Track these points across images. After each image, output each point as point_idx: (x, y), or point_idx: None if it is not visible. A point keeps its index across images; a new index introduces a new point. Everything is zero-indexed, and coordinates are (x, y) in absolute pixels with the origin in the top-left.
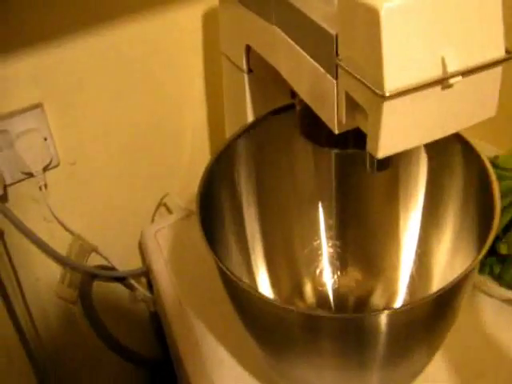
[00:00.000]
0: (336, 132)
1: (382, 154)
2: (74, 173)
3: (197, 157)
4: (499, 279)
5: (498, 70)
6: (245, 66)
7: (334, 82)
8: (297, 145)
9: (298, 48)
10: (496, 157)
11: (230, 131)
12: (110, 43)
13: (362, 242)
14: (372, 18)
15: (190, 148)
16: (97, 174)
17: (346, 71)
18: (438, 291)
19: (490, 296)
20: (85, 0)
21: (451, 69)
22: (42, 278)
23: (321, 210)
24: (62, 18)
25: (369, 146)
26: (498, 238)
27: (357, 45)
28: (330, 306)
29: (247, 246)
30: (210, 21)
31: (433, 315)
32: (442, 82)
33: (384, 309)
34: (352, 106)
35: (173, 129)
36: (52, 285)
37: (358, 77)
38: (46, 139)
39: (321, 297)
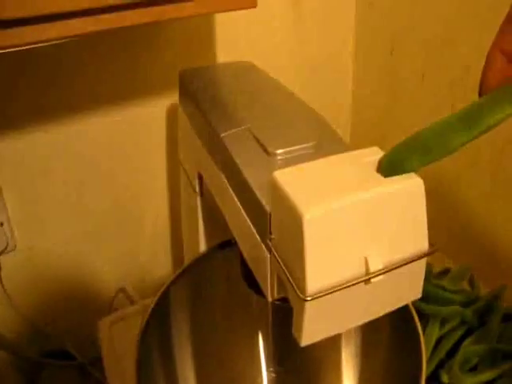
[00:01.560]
0: (269, 300)
1: (304, 343)
2: (30, 257)
3: (157, 248)
4: None
5: (423, 260)
6: (197, 189)
7: (268, 255)
8: (234, 280)
9: (238, 204)
10: (446, 270)
11: (186, 237)
12: (74, 134)
13: (303, 372)
14: (296, 221)
15: (151, 239)
16: (54, 260)
17: (274, 257)
18: None
19: None
20: (47, 91)
21: (374, 268)
22: None
23: (260, 338)
24: (24, 107)
25: (293, 330)
26: (441, 365)
27: (285, 235)
28: None
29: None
30: (174, 118)
31: None
32: (365, 279)
33: None
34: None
35: (134, 219)
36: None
37: (284, 269)
38: (2, 224)
39: None
